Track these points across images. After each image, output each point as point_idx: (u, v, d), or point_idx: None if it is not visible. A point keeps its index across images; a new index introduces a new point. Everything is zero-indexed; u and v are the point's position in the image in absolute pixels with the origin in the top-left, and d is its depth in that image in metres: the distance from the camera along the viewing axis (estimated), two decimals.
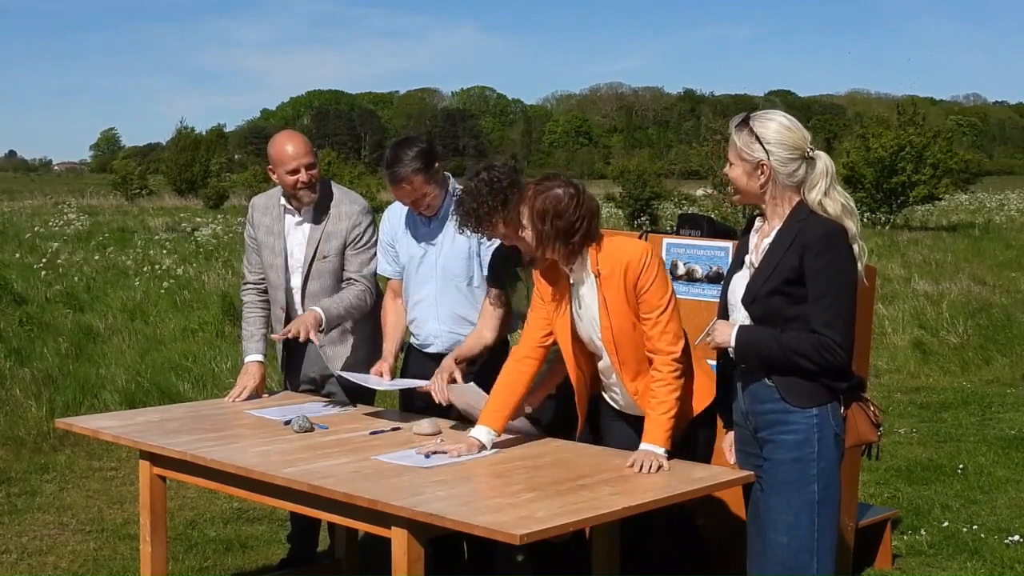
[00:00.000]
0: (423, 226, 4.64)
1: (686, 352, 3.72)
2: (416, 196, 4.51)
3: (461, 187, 4.54)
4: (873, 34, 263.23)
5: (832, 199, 3.37)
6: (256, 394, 4.79)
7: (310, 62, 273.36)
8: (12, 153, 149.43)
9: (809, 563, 3.37)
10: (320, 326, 4.60)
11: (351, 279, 4.80)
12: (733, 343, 3.42)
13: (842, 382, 3.42)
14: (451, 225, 4.54)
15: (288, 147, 4.72)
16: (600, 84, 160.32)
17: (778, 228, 3.42)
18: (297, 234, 4.85)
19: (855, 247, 3.38)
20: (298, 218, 4.83)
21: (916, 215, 30.58)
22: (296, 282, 4.85)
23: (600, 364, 3.91)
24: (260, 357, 4.88)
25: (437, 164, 4.54)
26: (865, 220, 28.24)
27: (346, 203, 4.82)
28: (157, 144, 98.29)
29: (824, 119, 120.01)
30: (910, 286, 14.52)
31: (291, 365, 4.98)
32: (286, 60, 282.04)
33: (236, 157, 77.81)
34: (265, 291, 4.97)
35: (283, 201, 4.85)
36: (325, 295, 4.77)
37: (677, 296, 3.82)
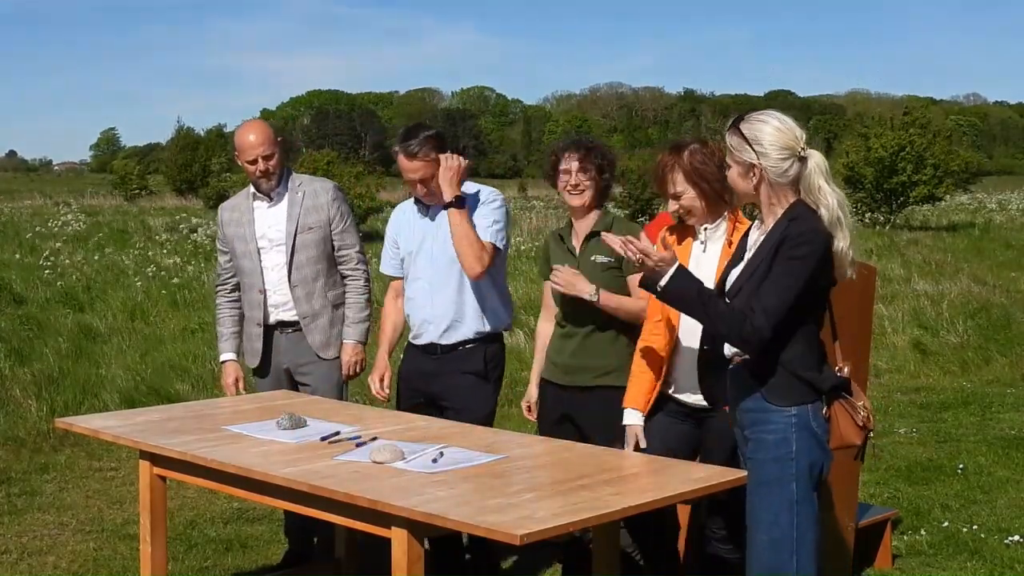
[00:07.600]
0: (421, 217, 4.71)
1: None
2: (428, 173, 4.53)
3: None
4: (873, 33, 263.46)
5: (825, 195, 3.34)
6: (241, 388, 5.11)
7: (310, 62, 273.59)
8: (12, 153, 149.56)
9: (788, 561, 3.36)
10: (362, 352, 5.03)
11: (346, 268, 5.02)
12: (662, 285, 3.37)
13: (819, 380, 3.38)
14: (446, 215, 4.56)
15: (248, 136, 4.90)
16: (600, 84, 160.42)
17: (771, 226, 3.43)
18: (274, 214, 4.97)
19: (838, 245, 3.33)
20: (270, 201, 4.98)
21: (916, 215, 30.55)
22: (278, 259, 4.95)
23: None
24: (233, 356, 5.17)
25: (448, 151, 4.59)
26: (865, 220, 28.24)
27: (318, 181, 5.08)
28: (157, 144, 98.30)
29: (824, 119, 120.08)
30: (910, 286, 14.51)
31: (264, 354, 5.06)
32: (286, 60, 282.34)
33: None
34: (234, 290, 5.14)
35: (252, 190, 5.02)
36: (310, 266, 4.93)
37: None
